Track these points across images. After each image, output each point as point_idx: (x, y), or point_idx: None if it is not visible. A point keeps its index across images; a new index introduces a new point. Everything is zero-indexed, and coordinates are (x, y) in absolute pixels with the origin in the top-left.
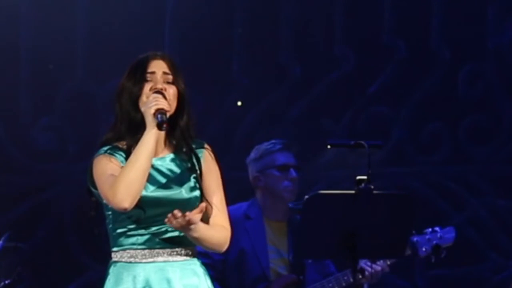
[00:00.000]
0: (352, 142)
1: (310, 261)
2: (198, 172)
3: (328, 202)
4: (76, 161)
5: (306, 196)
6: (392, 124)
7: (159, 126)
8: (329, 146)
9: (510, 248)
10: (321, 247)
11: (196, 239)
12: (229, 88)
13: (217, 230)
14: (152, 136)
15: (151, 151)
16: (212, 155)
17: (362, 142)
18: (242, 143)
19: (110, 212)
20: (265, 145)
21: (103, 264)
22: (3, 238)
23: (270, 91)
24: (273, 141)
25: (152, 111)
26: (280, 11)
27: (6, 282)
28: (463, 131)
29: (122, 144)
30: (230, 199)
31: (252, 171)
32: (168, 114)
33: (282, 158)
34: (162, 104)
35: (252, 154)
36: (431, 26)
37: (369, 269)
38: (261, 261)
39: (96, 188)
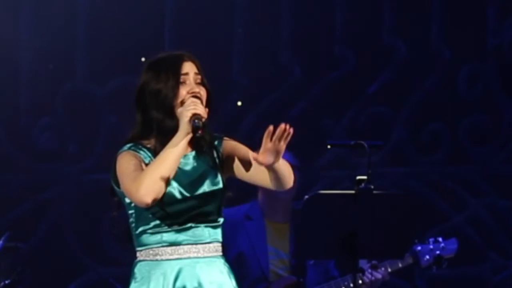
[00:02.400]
0: (352, 142)
1: (311, 262)
2: (218, 163)
3: (328, 202)
4: (76, 161)
5: (306, 196)
6: (392, 124)
7: (194, 131)
8: (329, 146)
9: (510, 248)
10: (321, 247)
11: (274, 169)
12: (229, 88)
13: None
14: (185, 140)
15: (181, 153)
16: (231, 140)
17: (362, 142)
18: (242, 143)
19: (133, 211)
20: None
21: (103, 264)
22: (3, 238)
23: (270, 91)
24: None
25: (189, 114)
26: (280, 11)
27: (6, 282)
28: (463, 131)
29: (146, 143)
30: (229, 199)
31: None
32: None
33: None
34: (200, 110)
35: None
36: (431, 26)
37: (370, 276)
38: (261, 262)
39: (118, 186)
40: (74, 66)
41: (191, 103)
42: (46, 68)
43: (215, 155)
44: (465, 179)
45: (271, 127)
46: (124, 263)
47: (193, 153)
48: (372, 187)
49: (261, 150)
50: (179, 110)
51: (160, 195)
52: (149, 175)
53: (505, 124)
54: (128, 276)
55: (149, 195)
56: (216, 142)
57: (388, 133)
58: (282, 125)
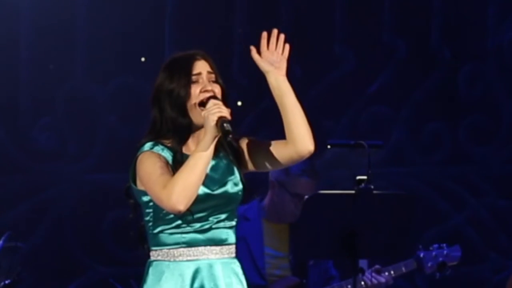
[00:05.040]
0: (352, 142)
1: (311, 263)
2: (238, 163)
3: (328, 202)
4: (76, 161)
5: (306, 196)
6: (392, 124)
7: (226, 135)
8: (329, 146)
9: (510, 248)
10: (321, 247)
11: (286, 89)
12: (229, 88)
13: None
14: (213, 143)
15: (210, 157)
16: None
17: (362, 142)
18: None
19: (151, 210)
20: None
21: (103, 264)
22: (3, 238)
23: (270, 91)
24: (305, 166)
25: (215, 118)
26: (280, 11)
27: (6, 282)
28: (463, 131)
29: (167, 142)
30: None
31: (272, 173)
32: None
33: (301, 188)
34: (225, 112)
35: None
36: (431, 26)
37: (374, 280)
38: (257, 263)
39: (136, 184)
40: (74, 66)
41: (215, 106)
42: (46, 68)
43: (234, 155)
44: (465, 179)
45: (264, 33)
46: (124, 263)
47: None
48: (372, 187)
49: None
50: (203, 114)
51: (192, 200)
52: (181, 182)
53: (505, 124)
54: (128, 276)
55: (181, 202)
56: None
57: (388, 133)
58: (275, 30)
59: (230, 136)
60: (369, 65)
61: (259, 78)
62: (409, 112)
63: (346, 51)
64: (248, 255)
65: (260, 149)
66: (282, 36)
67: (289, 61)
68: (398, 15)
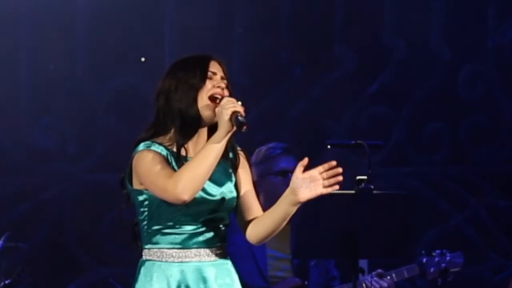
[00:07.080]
0: (352, 142)
1: (312, 264)
2: (234, 172)
3: (328, 202)
4: (76, 161)
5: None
6: (392, 124)
7: (239, 127)
8: (329, 146)
9: (510, 248)
10: (321, 247)
11: (290, 212)
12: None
13: None
14: (225, 138)
15: (221, 151)
16: (245, 158)
17: (362, 142)
18: (242, 143)
19: (146, 209)
20: (264, 149)
21: (103, 264)
22: (3, 238)
23: (270, 91)
24: (273, 145)
25: (229, 112)
26: (280, 11)
27: (6, 282)
28: (463, 131)
29: (162, 139)
30: None
31: (254, 173)
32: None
33: (281, 163)
34: (239, 108)
35: (253, 158)
36: (431, 26)
37: (375, 284)
38: (259, 265)
39: (131, 184)
40: (74, 66)
41: (229, 102)
42: (46, 68)
43: (233, 162)
44: (465, 179)
45: (333, 162)
46: (124, 263)
47: None
48: (372, 187)
49: (309, 172)
50: (217, 110)
51: (197, 192)
52: (188, 172)
53: (505, 124)
54: (128, 276)
55: (187, 192)
56: (234, 155)
57: (388, 133)
58: (340, 169)
59: (245, 127)
60: (369, 65)
61: (259, 78)
62: (409, 112)
63: (346, 51)
64: (250, 257)
65: (244, 204)
66: (340, 178)
67: (290, 63)
68: (398, 15)
